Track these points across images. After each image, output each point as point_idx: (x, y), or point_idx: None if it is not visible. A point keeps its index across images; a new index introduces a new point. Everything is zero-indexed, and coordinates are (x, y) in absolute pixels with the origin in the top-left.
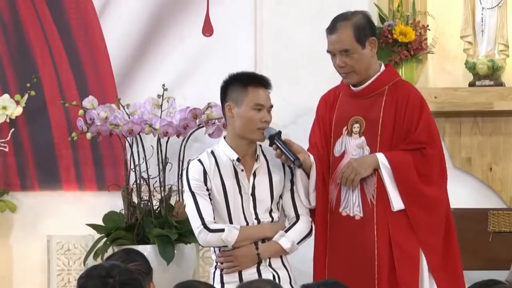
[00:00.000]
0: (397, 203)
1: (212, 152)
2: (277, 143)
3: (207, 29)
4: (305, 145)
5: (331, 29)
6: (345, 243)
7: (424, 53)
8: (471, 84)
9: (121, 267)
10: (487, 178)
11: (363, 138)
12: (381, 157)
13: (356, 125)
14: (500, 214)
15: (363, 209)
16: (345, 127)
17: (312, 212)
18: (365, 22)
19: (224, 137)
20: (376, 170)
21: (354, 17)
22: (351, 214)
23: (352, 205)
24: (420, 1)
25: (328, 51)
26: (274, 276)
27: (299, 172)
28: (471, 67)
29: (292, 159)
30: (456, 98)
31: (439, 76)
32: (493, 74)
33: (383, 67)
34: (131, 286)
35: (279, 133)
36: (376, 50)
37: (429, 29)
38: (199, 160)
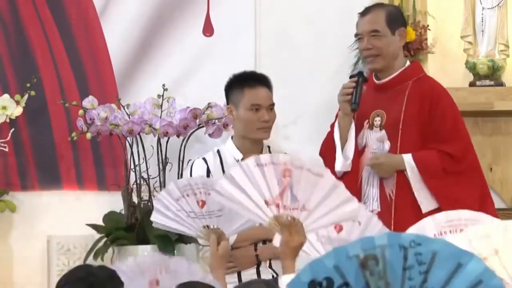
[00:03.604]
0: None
1: (218, 151)
2: (357, 79)
3: (207, 29)
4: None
5: (364, 12)
6: None
7: (424, 53)
8: (471, 84)
9: (95, 266)
10: (487, 178)
11: (383, 131)
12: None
13: (378, 118)
14: (500, 214)
15: (381, 203)
16: (367, 120)
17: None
18: (397, 12)
19: (232, 137)
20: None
21: (388, 6)
22: (370, 209)
23: (371, 199)
24: (420, 1)
25: (357, 34)
26: (273, 277)
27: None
28: (471, 67)
29: (353, 101)
30: (456, 98)
31: (439, 76)
32: (493, 74)
33: (408, 63)
34: (116, 279)
35: (364, 77)
36: (404, 42)
37: (429, 29)
38: (204, 159)
